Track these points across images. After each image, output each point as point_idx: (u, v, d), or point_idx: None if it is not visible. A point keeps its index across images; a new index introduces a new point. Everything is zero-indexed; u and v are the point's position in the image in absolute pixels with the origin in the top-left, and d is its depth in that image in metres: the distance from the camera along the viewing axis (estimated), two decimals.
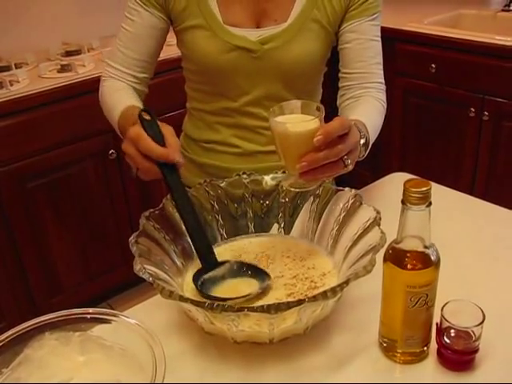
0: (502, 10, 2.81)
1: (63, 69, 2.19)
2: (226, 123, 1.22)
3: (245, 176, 0.97)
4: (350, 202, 0.89)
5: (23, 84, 2.08)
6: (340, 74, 1.19)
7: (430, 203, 0.69)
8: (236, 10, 1.13)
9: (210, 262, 0.88)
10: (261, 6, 1.13)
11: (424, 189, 0.68)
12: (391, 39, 2.58)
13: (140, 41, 1.17)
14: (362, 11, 1.13)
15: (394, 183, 1.16)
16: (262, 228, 1.01)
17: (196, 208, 0.90)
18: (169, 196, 0.91)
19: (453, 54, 2.44)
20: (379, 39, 1.17)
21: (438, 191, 0.95)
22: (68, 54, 2.39)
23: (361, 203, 0.88)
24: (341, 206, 0.91)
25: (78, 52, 2.39)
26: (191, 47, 1.15)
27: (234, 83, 1.17)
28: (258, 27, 1.14)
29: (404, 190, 0.68)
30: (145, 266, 0.77)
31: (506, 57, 2.30)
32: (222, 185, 0.97)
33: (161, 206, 0.92)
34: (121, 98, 1.15)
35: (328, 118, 0.84)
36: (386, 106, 1.18)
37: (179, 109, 2.34)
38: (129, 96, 1.15)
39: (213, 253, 0.90)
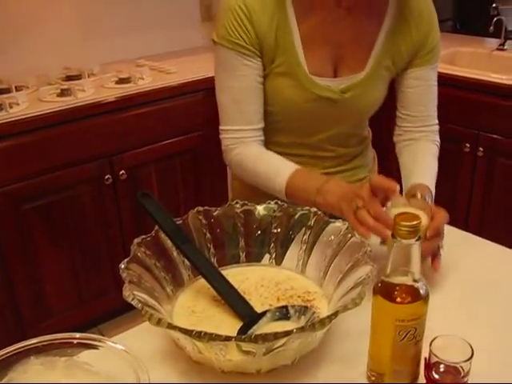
0: (497, 49, 2.86)
1: (63, 93, 2.20)
2: (294, 153, 1.26)
3: (237, 205, 0.98)
4: (342, 234, 0.90)
5: (22, 107, 2.09)
6: (399, 114, 1.29)
7: (420, 237, 0.69)
8: (319, 60, 1.17)
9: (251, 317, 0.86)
10: (339, 55, 1.18)
11: (414, 223, 0.68)
12: None
13: (252, 91, 1.17)
14: (428, 59, 1.22)
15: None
16: (254, 258, 1.01)
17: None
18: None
19: (449, 91, 2.47)
20: (436, 82, 1.27)
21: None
22: (68, 78, 2.41)
23: (352, 235, 0.88)
24: (332, 237, 0.91)
25: (78, 77, 2.41)
26: (275, 92, 1.19)
27: (312, 126, 1.24)
28: (335, 75, 1.19)
29: (394, 224, 0.69)
30: (134, 292, 0.77)
31: (501, 94, 2.33)
32: (214, 213, 0.97)
33: (153, 232, 0.92)
34: (277, 164, 1.17)
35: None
36: (439, 145, 1.30)
37: (179, 135, 2.38)
38: (281, 160, 1.18)
39: (252, 309, 0.88)
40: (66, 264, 2.25)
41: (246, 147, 1.20)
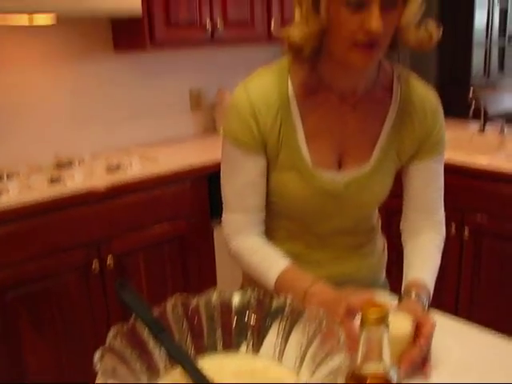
0: (478, 132, 2.96)
1: (52, 181, 2.24)
2: (299, 239, 1.29)
3: (214, 295, 0.98)
4: (317, 321, 0.90)
5: (12, 195, 2.12)
6: (405, 203, 1.30)
7: (388, 324, 0.70)
8: (323, 153, 1.19)
9: None
10: (344, 148, 1.20)
11: (381, 310, 0.69)
12: None
13: (256, 187, 1.21)
14: (432, 152, 1.23)
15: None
16: (231, 346, 1.00)
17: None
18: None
19: None
20: (442, 173, 1.28)
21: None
22: (59, 166, 2.47)
23: (327, 323, 0.88)
24: (308, 326, 0.91)
25: (69, 165, 2.47)
26: (279, 185, 1.22)
27: (313, 217, 1.25)
28: (339, 167, 1.20)
29: (362, 312, 0.69)
30: (108, 382, 0.76)
31: (482, 177, 2.38)
32: (192, 303, 0.97)
33: (130, 322, 0.92)
34: (268, 260, 1.21)
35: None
36: (445, 236, 1.31)
37: (168, 223, 2.41)
38: (277, 255, 1.22)
39: None
40: (51, 355, 2.20)
41: (244, 238, 1.24)
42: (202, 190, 2.45)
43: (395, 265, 2.74)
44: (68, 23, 2.61)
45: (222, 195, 1.26)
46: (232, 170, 1.22)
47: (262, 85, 1.18)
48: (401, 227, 1.33)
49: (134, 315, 0.91)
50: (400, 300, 1.13)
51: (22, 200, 2.07)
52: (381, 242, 1.43)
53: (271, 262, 1.20)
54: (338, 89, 1.18)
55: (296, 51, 1.14)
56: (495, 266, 2.42)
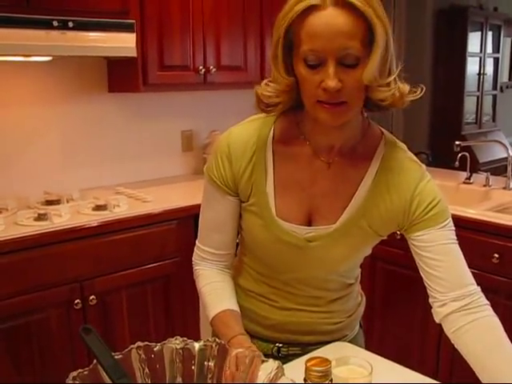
0: (464, 182, 2.99)
1: (40, 217, 2.26)
2: (269, 284, 1.30)
3: (177, 342, 1.00)
4: (273, 373, 0.91)
5: None
6: (429, 285, 1.16)
7: (331, 380, 0.72)
8: (290, 205, 1.20)
9: None
10: (314, 205, 1.20)
11: (324, 367, 0.71)
12: None
13: (223, 225, 1.27)
14: (427, 224, 1.15)
15: (334, 352, 1.18)
16: None
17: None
18: None
19: None
20: (456, 241, 1.18)
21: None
22: (48, 202, 2.49)
23: (282, 375, 0.90)
24: (263, 377, 0.92)
25: (57, 202, 2.49)
26: (247, 228, 1.26)
27: (281, 264, 1.26)
28: (309, 224, 1.20)
29: (306, 369, 0.71)
30: None
31: (465, 227, 2.40)
32: (154, 349, 0.99)
33: (91, 366, 0.93)
34: (213, 298, 1.28)
35: None
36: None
37: (152, 262, 2.42)
38: (224, 295, 1.28)
39: None
40: None
41: (204, 267, 1.31)
42: (189, 230, 2.47)
43: (374, 321, 2.76)
44: (64, 60, 2.68)
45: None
46: (206, 205, 1.29)
47: (243, 131, 1.23)
48: (437, 319, 1.17)
49: (95, 360, 0.93)
50: None
51: (8, 235, 2.09)
52: (356, 299, 1.39)
53: (214, 300, 1.27)
54: (314, 143, 1.19)
55: (266, 106, 1.18)
56: None
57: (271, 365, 0.94)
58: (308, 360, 0.72)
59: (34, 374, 2.19)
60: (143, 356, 0.99)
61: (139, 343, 0.99)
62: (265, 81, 1.17)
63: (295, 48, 1.06)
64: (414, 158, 1.21)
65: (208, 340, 1.01)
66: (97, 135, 2.88)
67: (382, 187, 1.17)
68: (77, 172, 2.81)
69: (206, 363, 0.99)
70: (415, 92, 1.11)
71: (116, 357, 0.95)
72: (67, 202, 2.51)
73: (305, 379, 0.72)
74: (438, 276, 1.14)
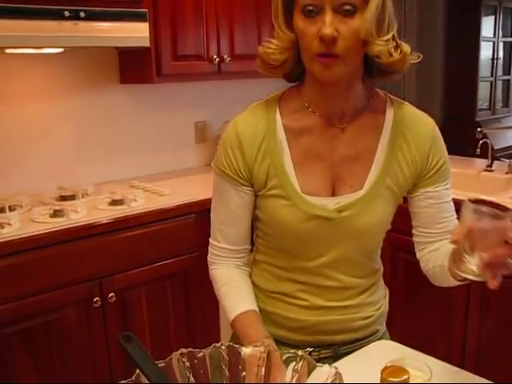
0: (485, 170, 2.93)
1: (55, 214, 2.21)
2: (297, 279, 1.24)
3: (223, 347, 0.95)
4: (330, 379, 0.86)
5: (14, 227, 2.09)
6: (417, 232, 1.25)
7: None
8: (313, 178, 1.18)
9: None
10: (336, 173, 1.18)
11: (403, 378, 0.65)
12: None
13: (238, 218, 1.23)
14: (437, 178, 1.19)
15: (379, 353, 1.13)
16: None
17: None
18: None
19: None
20: (451, 199, 1.23)
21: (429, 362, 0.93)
22: (62, 198, 2.44)
23: (340, 381, 0.84)
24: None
25: (72, 197, 2.44)
26: (270, 214, 1.20)
27: (310, 247, 1.21)
28: (333, 194, 1.18)
29: (381, 379, 0.66)
30: None
31: None
32: (198, 355, 0.94)
33: (133, 377, 0.88)
34: (232, 299, 1.24)
35: None
36: None
37: (171, 258, 2.37)
38: (243, 295, 1.24)
39: None
40: None
41: (220, 266, 1.28)
42: (206, 223, 2.41)
43: (396, 314, 2.72)
44: (76, 52, 2.62)
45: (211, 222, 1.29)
46: (217, 199, 1.26)
47: (249, 117, 1.21)
48: (418, 255, 1.28)
49: (138, 370, 0.88)
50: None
51: (24, 233, 2.04)
52: (383, 290, 1.37)
53: (234, 300, 1.23)
54: (325, 113, 1.17)
55: (270, 67, 1.17)
56: (502, 309, 2.37)
57: (327, 370, 0.88)
58: (383, 369, 0.66)
59: (54, 373, 2.15)
60: (187, 363, 0.93)
61: (182, 350, 0.94)
62: (267, 40, 1.16)
63: (295, 2, 1.07)
64: (421, 111, 1.24)
65: (256, 345, 0.95)
66: (109, 128, 2.82)
67: (401, 141, 1.18)
68: (90, 166, 2.75)
69: (255, 369, 0.94)
70: (418, 56, 1.12)
71: (159, 365, 0.90)
72: (82, 197, 2.46)
73: None
74: (430, 230, 1.22)
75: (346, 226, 1.17)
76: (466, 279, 0.99)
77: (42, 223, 2.14)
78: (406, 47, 1.12)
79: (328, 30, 1.02)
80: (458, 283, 1.09)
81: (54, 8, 2.13)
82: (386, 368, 0.67)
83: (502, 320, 2.38)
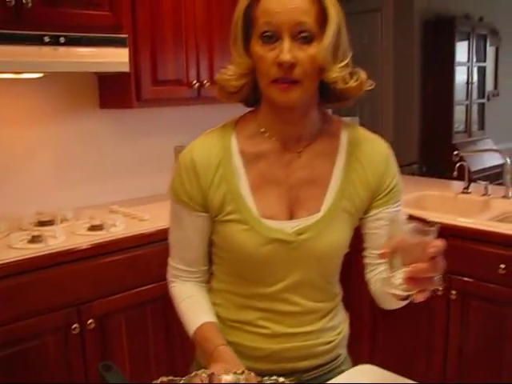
0: (462, 192, 2.98)
1: (34, 240, 2.19)
2: (257, 307, 1.24)
3: (204, 375, 0.94)
4: None
5: None
6: (368, 254, 1.27)
7: None
8: (271, 202, 1.18)
9: None
10: (293, 197, 1.19)
11: None
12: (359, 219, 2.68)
13: (193, 243, 1.24)
14: (388, 200, 1.22)
15: (357, 378, 1.14)
16: None
17: None
18: None
19: None
20: None
21: None
22: (41, 223, 2.42)
23: None
24: None
25: (51, 222, 2.42)
26: (228, 239, 1.20)
27: (269, 272, 1.20)
28: (291, 217, 1.19)
29: None
30: None
31: (468, 238, 2.38)
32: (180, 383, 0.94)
33: None
34: (192, 312, 1.25)
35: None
36: None
37: (151, 283, 2.35)
38: (199, 308, 1.25)
39: None
40: None
41: (179, 284, 1.30)
42: None
43: (379, 335, 2.73)
44: (55, 77, 2.62)
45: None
46: (173, 224, 1.28)
47: (204, 142, 1.22)
48: (367, 277, 1.29)
49: None
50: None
51: (2, 259, 2.01)
52: (343, 314, 1.37)
53: (192, 315, 1.24)
54: (281, 138, 1.19)
55: (228, 93, 1.19)
56: (482, 327, 2.39)
57: None
58: None
59: None
60: None
61: (163, 378, 0.94)
62: (224, 67, 1.19)
63: (252, 28, 1.10)
64: (374, 134, 1.27)
65: (236, 372, 0.95)
66: (89, 152, 2.81)
67: (356, 164, 1.21)
68: (70, 191, 2.74)
69: None
70: (371, 83, 1.16)
71: None
72: (61, 222, 2.43)
73: None
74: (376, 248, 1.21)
75: (305, 249, 1.18)
76: (406, 298, 1.01)
77: (20, 249, 2.12)
78: (363, 74, 1.15)
79: (287, 57, 1.04)
80: (401, 303, 1.12)
81: (33, 34, 2.14)
82: None
83: (481, 336, 2.40)
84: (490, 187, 2.91)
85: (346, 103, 1.19)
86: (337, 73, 1.10)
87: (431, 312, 2.50)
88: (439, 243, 0.93)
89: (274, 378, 0.92)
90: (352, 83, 1.12)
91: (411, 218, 0.97)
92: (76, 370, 2.20)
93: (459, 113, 5.20)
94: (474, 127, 5.48)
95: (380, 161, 1.22)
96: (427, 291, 0.96)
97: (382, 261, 1.18)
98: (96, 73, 2.70)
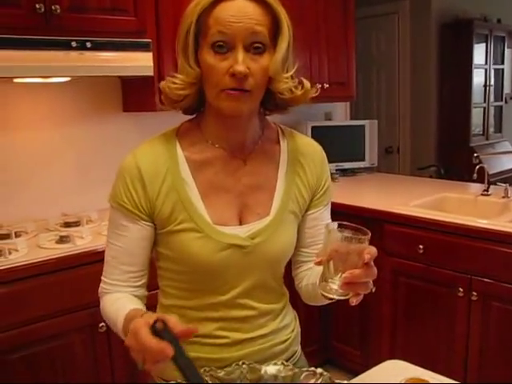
0: (482, 194, 2.98)
1: (62, 240, 2.24)
2: (213, 317, 1.22)
3: (244, 366, 0.97)
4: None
5: (21, 253, 2.12)
6: (296, 251, 1.30)
7: None
8: (221, 209, 1.19)
9: None
10: (243, 203, 1.20)
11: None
12: (380, 220, 2.70)
13: (133, 254, 1.19)
14: (322, 200, 1.29)
15: (389, 372, 1.16)
16: None
17: None
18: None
19: (438, 236, 2.54)
20: (330, 221, 1.30)
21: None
22: (67, 224, 2.47)
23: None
24: None
25: (76, 223, 2.47)
26: (180, 249, 1.17)
27: (224, 279, 1.20)
28: (241, 223, 1.20)
29: None
30: None
31: (488, 239, 2.39)
32: (220, 375, 0.97)
33: None
34: (121, 305, 1.15)
35: None
36: None
37: None
38: (129, 302, 1.16)
39: None
40: None
41: (111, 295, 1.22)
42: None
43: (400, 335, 2.74)
44: (81, 81, 2.67)
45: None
46: (113, 234, 1.21)
47: (149, 151, 1.20)
48: (293, 273, 1.34)
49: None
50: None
51: (32, 259, 2.07)
52: (292, 312, 1.37)
53: (119, 312, 1.13)
54: (226, 146, 1.20)
55: (172, 102, 1.18)
56: (504, 329, 2.40)
57: None
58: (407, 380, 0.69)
59: None
60: (209, 382, 0.96)
61: (206, 368, 0.97)
62: (171, 75, 1.17)
63: (203, 37, 1.10)
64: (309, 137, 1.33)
65: (276, 363, 0.98)
66: (112, 155, 2.84)
67: (297, 167, 1.26)
68: (94, 192, 2.78)
69: None
70: (316, 89, 1.19)
71: None
72: (86, 223, 2.48)
73: None
74: (310, 250, 1.28)
75: (258, 252, 1.19)
76: (332, 299, 1.04)
77: (48, 249, 2.17)
78: (307, 83, 1.18)
79: (241, 67, 1.05)
80: (327, 301, 1.11)
81: (61, 39, 2.19)
82: (409, 379, 0.70)
83: (502, 337, 2.40)
84: (511, 189, 2.91)
85: (286, 111, 1.23)
86: (285, 84, 1.14)
87: (452, 313, 2.51)
88: (373, 250, 0.99)
89: (312, 369, 0.95)
90: (298, 92, 1.16)
91: (344, 226, 1.02)
92: (103, 368, 2.24)
93: (476, 115, 5.19)
94: (491, 130, 5.47)
95: (318, 162, 1.29)
96: (361, 295, 1.02)
97: (311, 259, 1.26)
98: (120, 77, 2.74)
